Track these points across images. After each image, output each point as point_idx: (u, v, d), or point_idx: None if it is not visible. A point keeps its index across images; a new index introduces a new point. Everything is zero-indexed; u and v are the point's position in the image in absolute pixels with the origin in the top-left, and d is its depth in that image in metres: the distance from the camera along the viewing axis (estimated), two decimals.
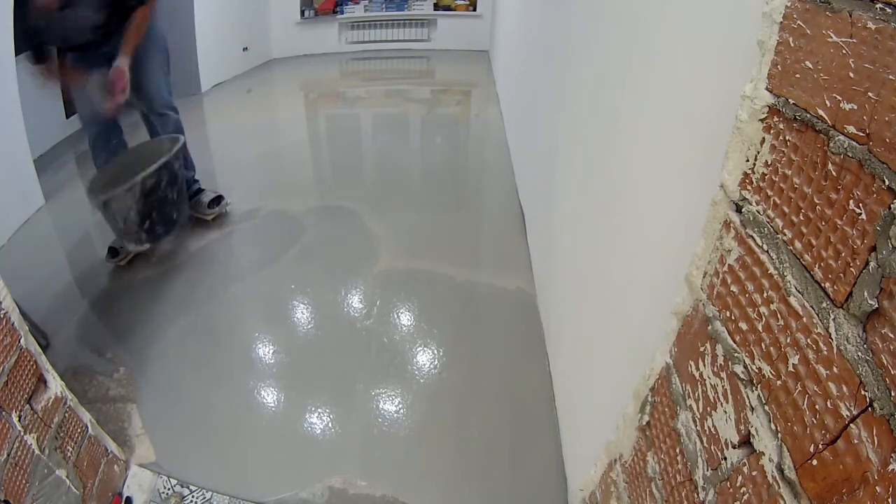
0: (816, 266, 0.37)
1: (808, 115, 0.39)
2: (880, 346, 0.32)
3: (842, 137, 0.35)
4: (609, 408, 0.85)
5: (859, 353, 0.33)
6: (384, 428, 1.34)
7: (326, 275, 1.96)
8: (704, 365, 0.52)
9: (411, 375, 1.50)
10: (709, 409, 0.51)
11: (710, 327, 0.52)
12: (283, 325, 1.72)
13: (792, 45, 0.41)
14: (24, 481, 0.85)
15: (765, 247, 0.44)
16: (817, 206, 0.38)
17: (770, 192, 0.43)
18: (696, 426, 0.54)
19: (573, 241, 1.29)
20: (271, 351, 1.61)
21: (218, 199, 2.39)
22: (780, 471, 0.40)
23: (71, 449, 1.00)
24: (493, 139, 3.25)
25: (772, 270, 0.43)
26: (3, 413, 0.83)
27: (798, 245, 0.40)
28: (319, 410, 1.40)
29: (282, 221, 2.36)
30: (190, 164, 2.34)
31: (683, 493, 0.56)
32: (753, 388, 0.44)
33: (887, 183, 0.31)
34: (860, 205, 0.33)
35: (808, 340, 0.38)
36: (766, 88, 0.44)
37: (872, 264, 0.32)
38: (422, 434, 1.33)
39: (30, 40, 1.79)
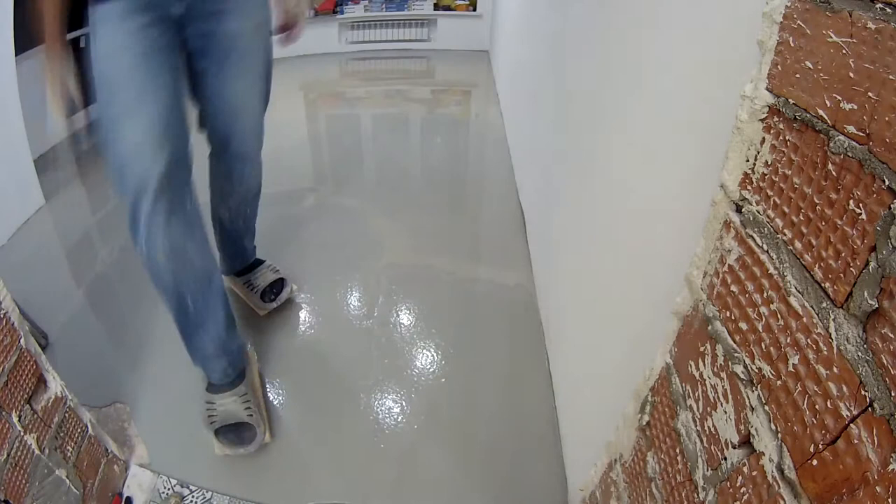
0: (816, 266, 0.37)
1: (808, 115, 0.39)
2: (880, 346, 0.32)
3: (842, 137, 0.35)
4: (609, 408, 0.85)
5: (859, 353, 0.33)
6: (384, 428, 1.34)
7: (327, 273, 1.95)
8: (704, 365, 0.52)
9: (410, 376, 1.50)
10: (709, 409, 0.51)
11: (710, 327, 0.52)
12: (283, 325, 1.72)
13: (792, 45, 0.41)
14: (24, 481, 0.85)
15: (765, 247, 0.44)
16: (817, 206, 0.38)
17: (770, 192, 0.43)
18: (696, 426, 0.54)
19: (573, 240, 1.29)
20: (272, 351, 1.61)
21: (279, 284, 1.68)
22: (780, 471, 0.40)
23: (71, 449, 1.00)
24: (493, 139, 3.24)
25: (772, 270, 0.43)
26: (3, 413, 0.83)
27: (798, 245, 0.40)
28: (319, 413, 1.40)
29: (281, 220, 2.36)
30: (250, 227, 1.59)
31: (683, 493, 0.56)
32: (753, 388, 0.44)
33: (887, 183, 0.31)
34: (860, 205, 0.33)
35: (808, 340, 0.38)
36: (766, 88, 0.44)
37: (872, 264, 0.32)
38: (421, 434, 1.33)
39: None
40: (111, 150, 0.98)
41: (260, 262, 1.71)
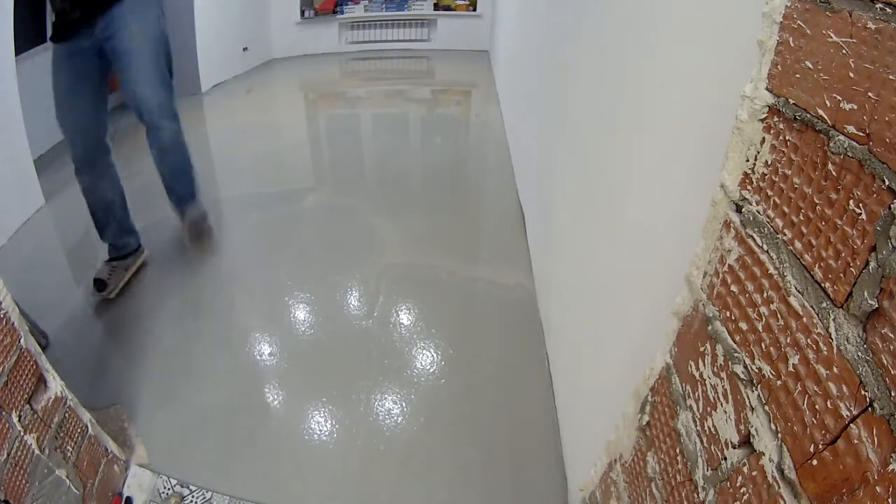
0: (816, 266, 0.37)
1: (808, 115, 0.39)
2: (880, 346, 0.32)
3: (842, 137, 0.35)
4: (609, 408, 0.85)
5: (859, 353, 0.33)
6: (383, 428, 1.34)
7: (328, 274, 1.96)
8: (704, 365, 0.52)
9: (410, 377, 1.50)
10: (709, 409, 0.51)
11: (710, 327, 0.52)
12: (283, 326, 1.72)
13: (792, 45, 0.41)
14: (24, 481, 0.85)
15: (765, 247, 0.44)
16: (817, 206, 0.38)
17: (770, 192, 0.43)
18: (696, 426, 0.54)
19: (573, 240, 1.29)
20: (272, 351, 1.61)
21: (206, 230, 2.11)
22: (780, 471, 0.40)
23: (71, 449, 1.00)
24: (493, 139, 3.25)
25: (772, 270, 0.43)
26: (3, 413, 0.83)
27: (798, 245, 0.40)
28: (319, 413, 1.40)
29: (282, 221, 2.36)
30: (178, 178, 1.98)
31: (683, 493, 0.56)
32: (753, 388, 0.44)
33: (887, 183, 0.31)
34: (860, 205, 0.33)
35: (808, 340, 0.38)
36: (766, 88, 0.44)
37: (872, 264, 0.32)
38: (421, 434, 1.33)
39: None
40: (61, 129, 1.71)
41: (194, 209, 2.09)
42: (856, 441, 0.33)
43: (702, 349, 0.53)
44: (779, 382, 0.41)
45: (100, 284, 1.81)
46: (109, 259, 1.90)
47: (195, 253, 2.08)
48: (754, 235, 0.45)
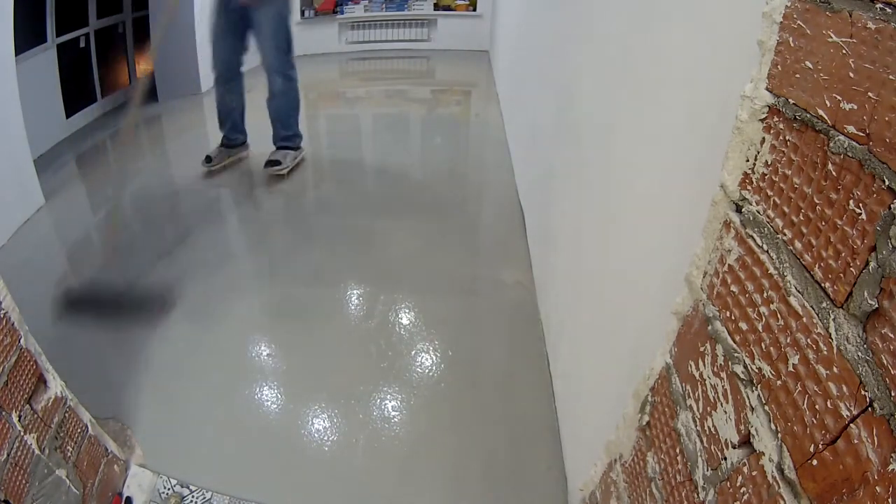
0: (816, 266, 0.37)
1: (808, 115, 0.39)
2: (880, 346, 0.32)
3: (842, 137, 0.35)
4: (609, 408, 0.85)
5: (859, 353, 0.33)
6: (383, 428, 1.34)
7: (327, 273, 1.96)
8: (704, 365, 0.52)
9: (410, 378, 1.50)
10: (709, 409, 0.51)
11: (710, 327, 0.52)
12: (282, 326, 1.72)
13: (792, 45, 0.41)
14: (24, 481, 0.85)
15: (765, 247, 0.44)
16: (817, 206, 0.38)
17: (770, 192, 0.43)
18: (696, 426, 0.54)
19: (573, 240, 1.29)
20: (271, 353, 1.61)
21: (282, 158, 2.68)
22: (780, 471, 0.40)
23: (71, 449, 1.00)
24: (493, 139, 3.24)
25: (772, 270, 0.43)
26: (3, 413, 0.83)
27: (798, 245, 0.40)
28: (318, 415, 1.40)
29: (281, 219, 2.36)
30: (280, 119, 2.72)
31: (683, 493, 0.56)
32: (753, 388, 0.44)
33: (887, 183, 0.31)
34: (860, 205, 0.33)
35: (808, 340, 0.38)
36: (766, 88, 0.44)
37: (872, 264, 0.32)
38: (421, 435, 1.33)
39: None
40: (212, 57, 2.59)
41: (283, 147, 2.70)
42: (856, 441, 0.33)
43: (702, 349, 0.53)
44: (779, 382, 0.41)
45: (208, 159, 2.60)
46: (220, 145, 2.69)
47: (266, 178, 2.63)
48: (754, 235, 0.45)
